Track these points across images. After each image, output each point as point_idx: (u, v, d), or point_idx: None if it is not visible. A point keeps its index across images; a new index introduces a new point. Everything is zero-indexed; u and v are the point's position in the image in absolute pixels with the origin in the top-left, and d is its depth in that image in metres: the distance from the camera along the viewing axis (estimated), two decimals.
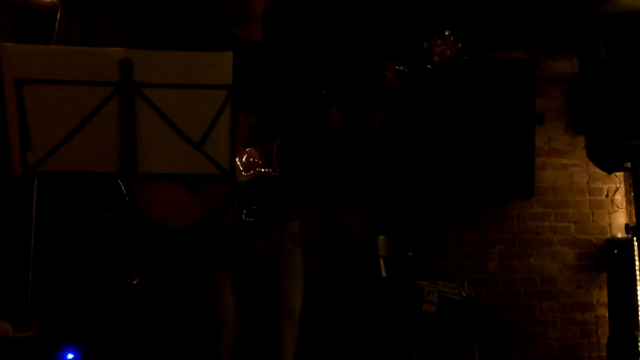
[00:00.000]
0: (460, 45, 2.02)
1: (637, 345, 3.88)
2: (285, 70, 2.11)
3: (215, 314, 1.98)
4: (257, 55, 2.10)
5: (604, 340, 4.48)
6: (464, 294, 3.99)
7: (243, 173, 1.94)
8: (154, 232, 1.95)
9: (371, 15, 4.40)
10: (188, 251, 2.02)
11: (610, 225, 4.75)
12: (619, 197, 4.75)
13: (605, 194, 4.76)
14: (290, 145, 2.07)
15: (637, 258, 3.98)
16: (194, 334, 2.00)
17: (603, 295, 4.61)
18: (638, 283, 4.01)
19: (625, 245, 4.26)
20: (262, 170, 1.97)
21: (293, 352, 2.07)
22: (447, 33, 2.03)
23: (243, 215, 1.99)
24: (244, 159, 1.95)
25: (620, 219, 4.72)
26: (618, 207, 4.74)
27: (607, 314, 4.54)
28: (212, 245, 1.98)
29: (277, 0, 2.18)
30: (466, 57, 2.02)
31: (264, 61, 2.09)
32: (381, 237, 4.33)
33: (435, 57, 1.99)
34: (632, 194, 3.84)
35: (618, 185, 4.72)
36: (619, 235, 4.59)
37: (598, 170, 4.18)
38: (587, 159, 3.86)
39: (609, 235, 4.70)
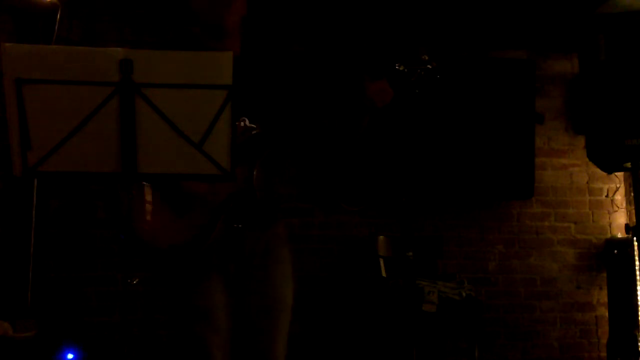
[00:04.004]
0: (435, 64, 2.10)
1: (637, 345, 3.88)
2: (263, 82, 2.09)
3: (207, 318, 1.99)
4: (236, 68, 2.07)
5: (604, 340, 4.48)
6: (464, 294, 3.99)
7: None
8: (144, 250, 1.96)
9: (367, 17, 4.39)
10: (177, 259, 2.03)
11: (610, 225, 4.75)
12: (619, 197, 4.75)
13: (605, 194, 4.76)
14: (272, 165, 2.07)
15: (637, 258, 3.98)
16: (186, 338, 2.00)
17: (603, 295, 4.61)
18: (638, 283, 4.02)
19: (625, 245, 4.25)
20: (243, 192, 1.97)
21: (285, 344, 2.09)
22: (424, 56, 2.09)
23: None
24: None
25: (620, 219, 4.71)
26: (618, 207, 4.74)
27: (607, 314, 4.53)
28: (201, 251, 1.99)
29: (257, 7, 2.15)
30: (439, 76, 2.11)
31: (241, 74, 2.07)
32: (381, 237, 4.33)
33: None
34: (632, 194, 3.84)
35: (618, 185, 4.72)
36: (619, 235, 4.59)
37: (598, 170, 4.17)
38: (587, 159, 3.85)
39: (609, 235, 4.70)
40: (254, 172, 1.98)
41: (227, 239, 2.00)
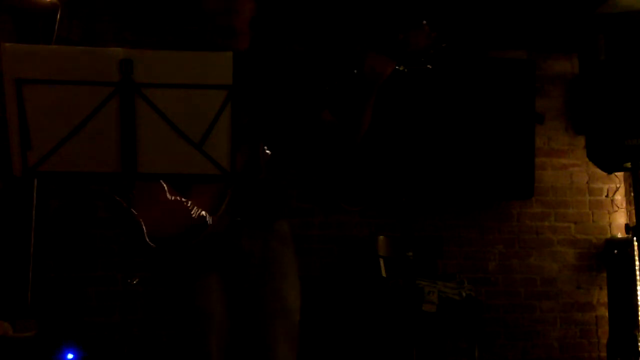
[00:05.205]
0: (435, 34, 2.04)
1: (637, 345, 3.88)
2: (271, 75, 2.10)
3: (204, 316, 1.97)
4: (243, 63, 2.07)
5: (604, 340, 4.48)
6: (464, 294, 3.99)
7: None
8: (144, 240, 1.95)
9: (366, 17, 4.39)
10: (175, 254, 2.01)
11: (610, 225, 4.75)
12: (619, 197, 4.75)
13: (605, 194, 4.76)
14: (273, 149, 2.06)
15: (637, 258, 3.98)
16: (184, 337, 2.00)
17: (603, 295, 4.61)
18: (638, 283, 4.01)
19: (625, 245, 4.25)
20: (247, 173, 1.96)
21: (294, 351, 2.06)
22: (424, 22, 2.05)
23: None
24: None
25: (620, 219, 4.72)
26: (618, 207, 4.74)
27: (607, 314, 4.54)
28: (199, 246, 1.97)
29: (264, 8, 2.16)
30: (444, 44, 2.03)
31: (249, 68, 2.08)
32: (381, 237, 4.33)
33: (412, 46, 2.01)
34: (632, 194, 3.84)
35: (618, 185, 4.72)
36: (619, 235, 4.59)
37: (598, 170, 4.18)
38: (587, 159, 3.85)
39: (609, 235, 4.70)
40: (260, 153, 1.97)
41: (225, 233, 1.98)
